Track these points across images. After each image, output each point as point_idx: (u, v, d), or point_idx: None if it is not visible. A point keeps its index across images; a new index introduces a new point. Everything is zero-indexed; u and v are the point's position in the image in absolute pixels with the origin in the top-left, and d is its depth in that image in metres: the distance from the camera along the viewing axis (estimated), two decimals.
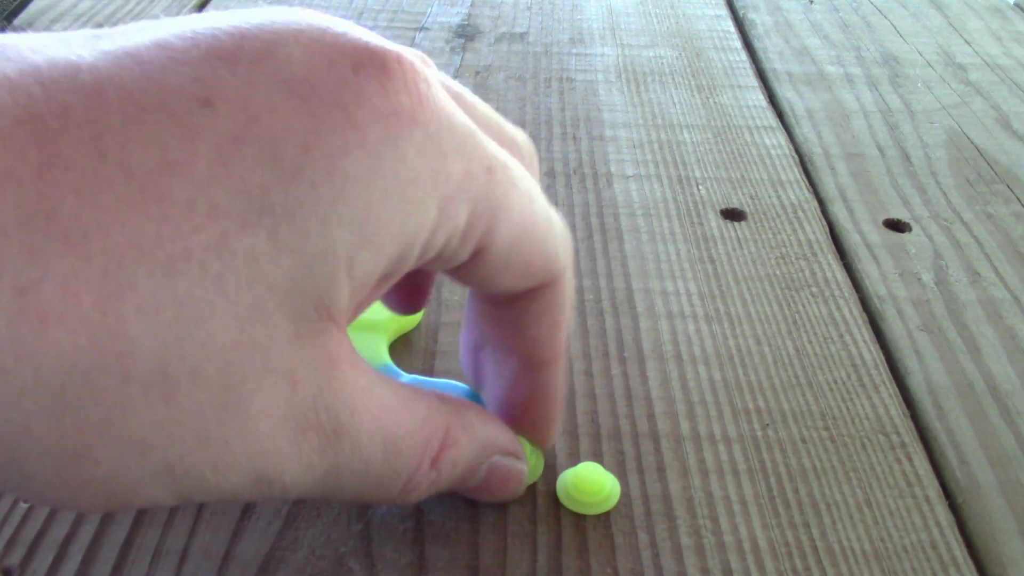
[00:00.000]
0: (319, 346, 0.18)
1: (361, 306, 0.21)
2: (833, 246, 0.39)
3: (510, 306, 0.23)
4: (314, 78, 0.17)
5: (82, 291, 0.15)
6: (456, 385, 0.28)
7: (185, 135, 0.16)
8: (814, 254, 0.38)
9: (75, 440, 0.16)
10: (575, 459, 0.28)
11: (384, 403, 0.20)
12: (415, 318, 0.32)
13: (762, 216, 0.40)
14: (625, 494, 0.27)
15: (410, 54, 0.19)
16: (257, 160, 0.16)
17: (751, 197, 0.42)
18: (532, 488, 0.27)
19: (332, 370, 0.18)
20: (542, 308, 0.23)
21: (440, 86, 0.19)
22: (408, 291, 0.26)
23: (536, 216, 0.21)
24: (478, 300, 0.25)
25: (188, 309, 0.16)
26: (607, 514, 0.26)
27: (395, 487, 0.21)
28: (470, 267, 0.21)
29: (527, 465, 0.25)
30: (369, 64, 0.18)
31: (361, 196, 0.17)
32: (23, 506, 0.25)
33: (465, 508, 0.26)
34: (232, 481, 0.18)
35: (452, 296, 0.34)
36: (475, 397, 0.28)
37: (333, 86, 0.17)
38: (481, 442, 0.23)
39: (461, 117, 0.19)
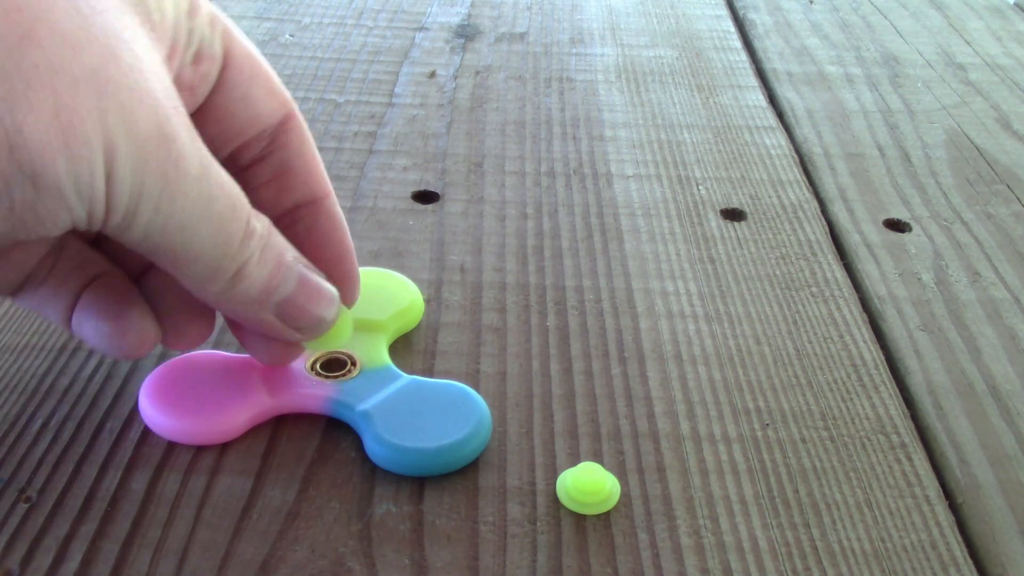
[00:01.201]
0: (144, 41, 0.21)
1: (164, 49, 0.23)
2: (833, 246, 0.39)
3: (277, 153, 0.26)
4: None
5: None
6: (456, 385, 0.28)
7: None
8: (814, 254, 0.38)
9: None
10: (575, 459, 0.28)
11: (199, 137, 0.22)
12: (415, 319, 0.32)
13: (762, 216, 0.40)
14: (625, 494, 0.27)
15: None
16: None
17: (751, 197, 0.42)
18: (532, 488, 0.27)
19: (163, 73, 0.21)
20: (299, 141, 0.26)
21: None
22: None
23: (257, 52, 0.25)
24: (254, 173, 0.26)
25: None
26: (607, 514, 0.26)
27: (221, 245, 0.22)
28: (227, 80, 0.24)
29: (337, 295, 0.26)
30: None
31: None
32: (23, 506, 0.25)
33: (465, 508, 0.26)
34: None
35: (452, 296, 0.34)
36: (475, 397, 0.28)
37: None
38: (280, 239, 0.24)
39: None
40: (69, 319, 0.25)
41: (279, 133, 0.26)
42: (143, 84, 0.20)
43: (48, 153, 0.18)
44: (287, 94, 0.26)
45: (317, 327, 0.26)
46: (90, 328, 0.25)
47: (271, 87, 0.25)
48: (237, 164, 0.26)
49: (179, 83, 0.23)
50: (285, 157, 0.26)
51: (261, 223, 0.23)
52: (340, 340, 0.27)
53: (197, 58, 0.23)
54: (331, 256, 0.27)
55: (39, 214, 0.19)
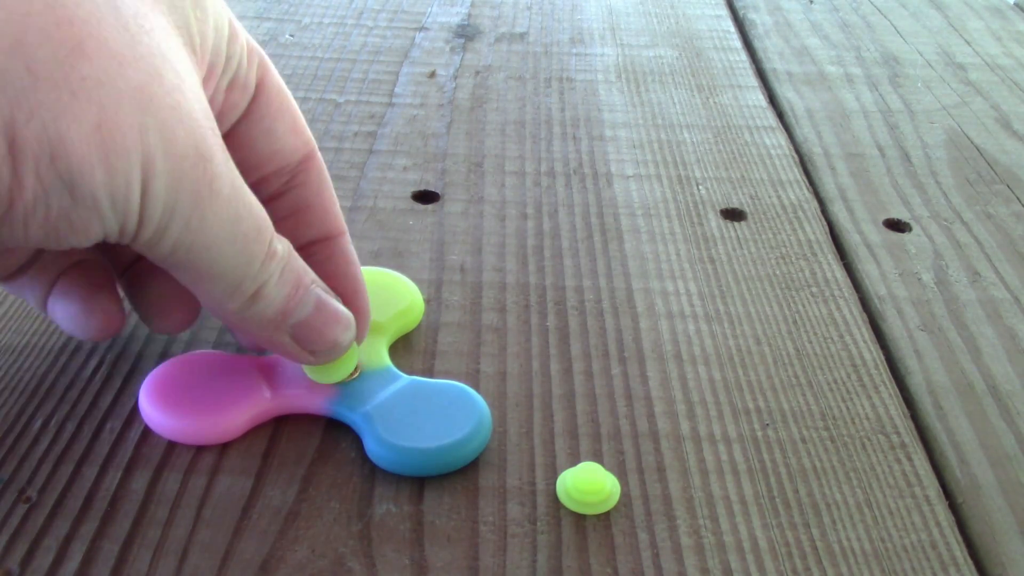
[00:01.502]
0: (185, 59, 0.21)
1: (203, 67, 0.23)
2: (833, 246, 0.39)
3: (296, 191, 0.26)
4: None
5: None
6: (456, 385, 0.28)
7: None
8: (814, 254, 0.38)
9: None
10: (575, 459, 0.28)
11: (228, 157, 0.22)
12: (415, 319, 0.32)
13: (762, 216, 0.40)
14: (625, 494, 0.27)
15: None
16: None
17: (751, 197, 0.42)
18: (532, 488, 0.27)
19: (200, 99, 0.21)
20: (318, 180, 0.26)
21: None
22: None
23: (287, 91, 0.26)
24: (275, 208, 0.27)
25: None
26: (607, 514, 0.26)
27: (243, 265, 0.22)
28: (255, 111, 0.24)
29: (353, 321, 0.26)
30: None
31: None
32: (23, 506, 0.25)
33: (465, 508, 0.26)
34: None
35: (452, 296, 0.34)
36: (476, 397, 0.28)
37: None
38: (300, 262, 0.25)
39: None
40: (46, 302, 0.27)
41: (299, 171, 0.26)
42: (184, 104, 0.20)
43: (87, 164, 0.18)
44: (309, 134, 0.26)
45: (331, 351, 0.26)
46: (61, 310, 0.26)
47: (296, 125, 0.26)
48: (257, 196, 0.26)
49: (211, 107, 0.23)
50: (303, 195, 0.26)
51: (283, 245, 0.24)
52: (344, 372, 0.27)
53: (231, 85, 0.24)
54: (343, 292, 0.27)
55: (73, 223, 0.19)
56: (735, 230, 0.39)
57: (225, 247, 0.22)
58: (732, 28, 0.61)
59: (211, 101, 0.23)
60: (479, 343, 0.32)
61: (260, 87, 0.25)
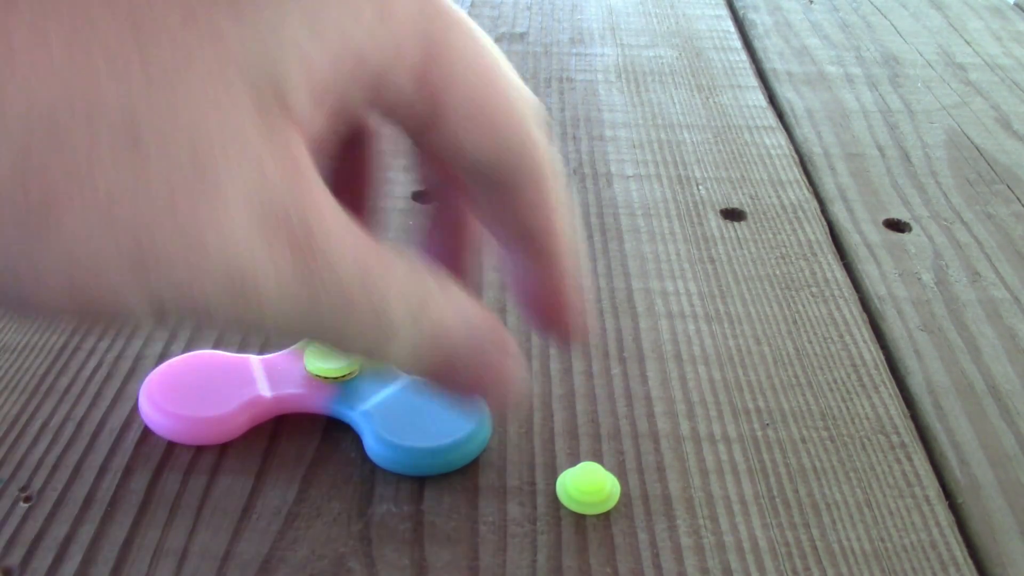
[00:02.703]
0: (284, 144, 0.17)
1: (309, 123, 0.19)
2: (833, 246, 0.39)
3: (495, 191, 0.21)
4: None
5: (53, 41, 0.15)
6: None
7: None
8: (814, 254, 0.38)
9: (39, 192, 0.15)
10: (575, 459, 0.28)
11: (357, 229, 0.18)
12: None
13: (762, 216, 0.40)
14: (625, 494, 0.27)
15: None
16: None
17: (751, 197, 0.42)
18: (532, 488, 0.27)
19: (298, 173, 0.17)
20: (526, 183, 0.21)
21: None
22: (352, 179, 0.24)
23: (498, 65, 0.19)
24: (471, 198, 0.23)
25: (157, 72, 0.16)
26: (607, 514, 0.26)
27: (375, 325, 0.19)
28: (434, 127, 0.19)
29: (520, 365, 0.22)
30: None
31: None
32: (23, 506, 0.25)
33: (465, 508, 0.26)
34: (204, 278, 0.17)
35: None
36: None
37: None
38: (463, 305, 0.20)
39: None
40: None
41: (509, 183, 0.21)
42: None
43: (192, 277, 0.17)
44: (520, 130, 0.20)
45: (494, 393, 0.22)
46: None
47: (494, 131, 0.20)
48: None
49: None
50: (514, 207, 0.21)
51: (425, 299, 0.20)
52: (345, 369, 0.27)
53: (381, 100, 0.20)
54: (562, 306, 0.23)
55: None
56: (735, 230, 0.39)
57: (349, 299, 0.19)
58: (732, 28, 0.61)
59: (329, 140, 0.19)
60: None
61: (437, 98, 0.19)
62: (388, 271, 0.19)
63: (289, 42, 0.17)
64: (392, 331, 0.19)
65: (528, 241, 0.22)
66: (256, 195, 0.17)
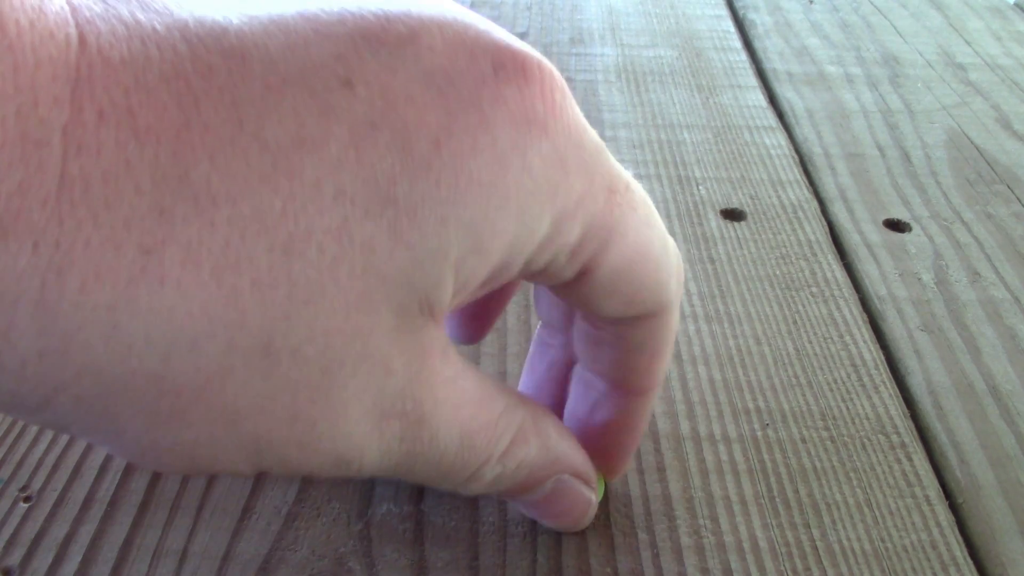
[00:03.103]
0: (416, 340, 0.18)
1: (458, 307, 0.21)
2: (833, 246, 0.39)
3: (611, 330, 0.22)
4: (454, 71, 0.17)
5: (203, 259, 0.15)
6: None
7: (322, 113, 0.16)
8: (814, 254, 0.38)
9: (171, 402, 0.16)
10: None
11: (466, 396, 0.20)
12: None
13: (762, 216, 0.40)
14: (625, 494, 0.27)
15: (547, 62, 0.19)
16: (388, 149, 0.16)
17: (751, 197, 0.42)
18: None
19: (423, 361, 0.18)
20: (644, 337, 0.22)
21: (572, 99, 0.19)
22: (477, 313, 0.26)
23: (651, 243, 0.20)
24: (580, 319, 0.23)
25: (300, 289, 0.16)
26: (607, 514, 0.26)
27: (461, 477, 0.21)
28: (574, 287, 0.20)
29: (596, 495, 0.24)
30: (510, 65, 0.17)
31: (481, 201, 0.17)
32: (23, 506, 0.25)
33: (465, 508, 0.26)
34: (313, 460, 0.18)
35: None
36: None
37: (472, 83, 0.17)
38: (552, 451, 0.22)
39: (591, 134, 0.19)
40: None
41: (626, 323, 0.22)
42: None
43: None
44: (659, 298, 0.21)
45: (568, 527, 0.25)
46: None
47: (633, 299, 0.21)
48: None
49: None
50: (617, 342, 0.22)
51: (527, 446, 0.21)
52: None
53: (534, 276, 0.20)
54: (614, 445, 0.25)
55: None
56: (735, 230, 0.39)
57: (445, 461, 0.20)
58: (732, 28, 0.61)
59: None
60: (479, 343, 0.32)
61: (587, 272, 0.20)
62: (484, 423, 0.20)
63: (444, 255, 0.17)
64: (475, 475, 0.21)
65: (625, 380, 0.23)
66: (376, 392, 0.18)
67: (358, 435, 0.18)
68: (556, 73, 0.18)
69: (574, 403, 0.25)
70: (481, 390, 0.20)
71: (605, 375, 0.23)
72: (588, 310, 0.21)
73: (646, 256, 0.20)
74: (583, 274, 0.20)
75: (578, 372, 0.25)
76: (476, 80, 0.17)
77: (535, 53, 0.18)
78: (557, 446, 0.22)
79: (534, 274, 0.19)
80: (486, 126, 0.17)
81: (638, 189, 0.20)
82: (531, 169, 0.17)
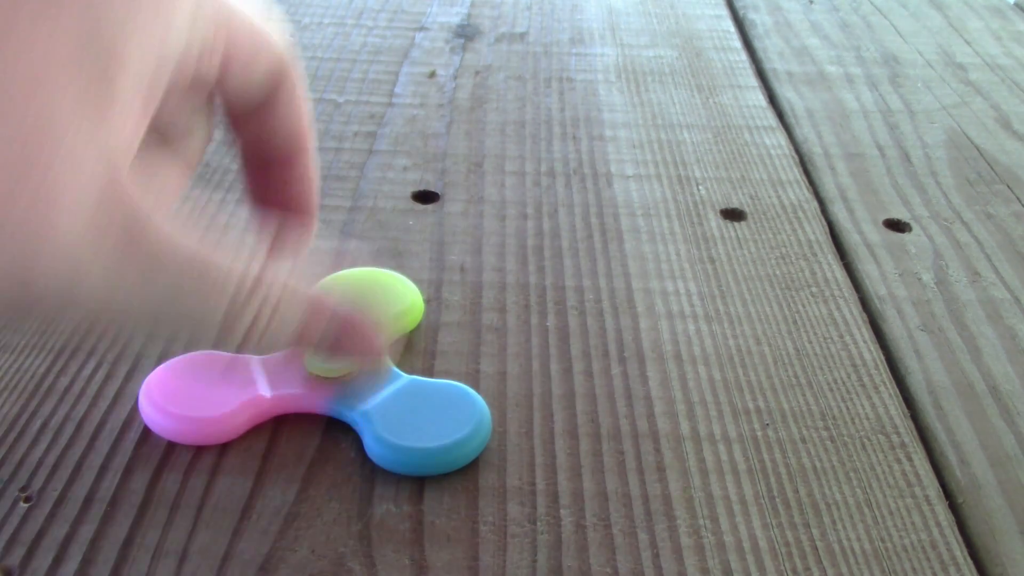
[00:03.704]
0: (110, 138, 0.19)
1: (140, 115, 0.21)
2: (833, 246, 0.39)
3: (261, 114, 0.25)
4: None
5: None
6: (456, 385, 0.28)
7: None
8: (814, 254, 0.38)
9: None
10: (575, 459, 0.28)
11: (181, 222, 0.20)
12: (415, 319, 0.32)
13: (762, 216, 0.40)
14: (625, 494, 0.27)
15: None
16: None
17: (751, 197, 0.42)
18: (532, 488, 0.27)
19: (120, 174, 0.19)
20: (286, 102, 0.25)
21: None
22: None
23: (256, 16, 0.23)
24: (236, 123, 0.26)
25: None
26: (607, 514, 0.26)
27: (209, 301, 0.21)
28: (224, 80, 0.23)
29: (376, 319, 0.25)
30: None
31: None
32: (23, 506, 0.25)
33: (465, 508, 0.26)
34: (43, 260, 0.18)
35: (452, 296, 0.34)
36: (476, 397, 0.28)
37: None
38: (299, 267, 0.23)
39: None
40: None
41: (267, 102, 0.25)
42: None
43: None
44: (282, 58, 0.24)
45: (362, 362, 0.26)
46: None
47: (269, 63, 0.24)
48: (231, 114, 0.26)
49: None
50: (268, 121, 0.25)
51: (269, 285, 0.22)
52: (345, 368, 0.28)
53: (196, 82, 0.23)
54: (301, 202, 0.27)
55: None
56: (735, 230, 0.39)
57: (185, 268, 0.21)
58: (732, 28, 0.61)
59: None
60: (479, 343, 0.32)
61: (228, 61, 0.23)
62: (214, 253, 0.21)
63: (127, 29, 0.19)
64: (237, 297, 0.21)
65: (286, 144, 0.26)
66: (87, 193, 0.18)
67: (78, 234, 0.18)
68: None
69: (258, 189, 0.27)
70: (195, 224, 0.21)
71: (273, 158, 0.26)
72: (243, 94, 0.24)
73: (259, 27, 0.23)
74: (227, 63, 0.22)
75: (250, 180, 0.27)
76: None
77: None
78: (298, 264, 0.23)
79: (193, 81, 0.22)
80: None
81: None
82: None
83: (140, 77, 0.19)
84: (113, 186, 0.19)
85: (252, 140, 0.26)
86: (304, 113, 0.26)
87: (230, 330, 0.21)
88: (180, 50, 0.20)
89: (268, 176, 0.26)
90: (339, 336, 0.23)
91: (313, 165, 0.27)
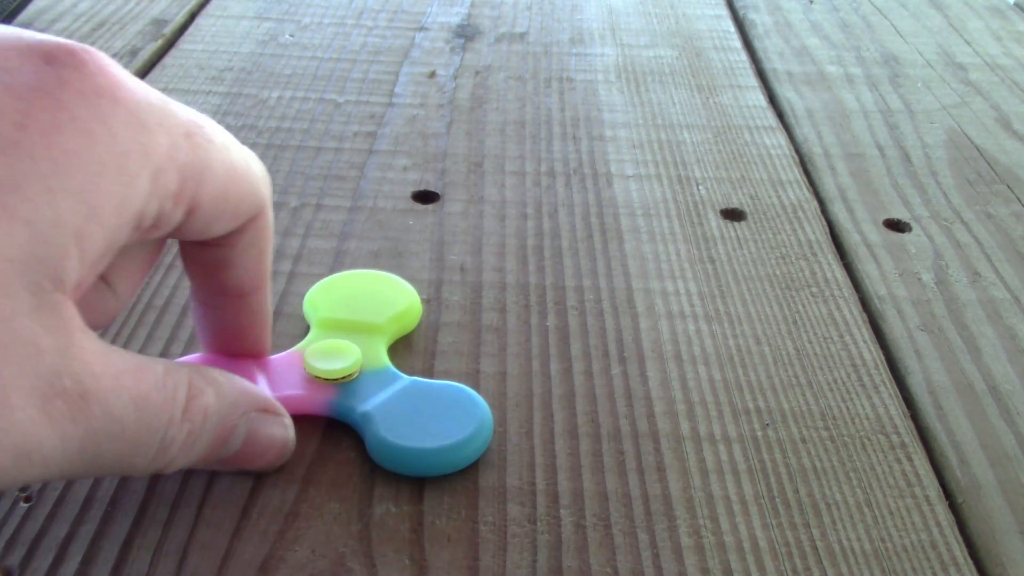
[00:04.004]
0: (58, 317, 0.19)
1: (84, 282, 0.21)
2: (833, 246, 0.39)
3: (220, 248, 0.25)
4: (11, 68, 0.18)
5: None
6: (457, 386, 0.28)
7: None
8: (814, 254, 0.38)
9: None
10: (575, 459, 0.28)
11: (121, 366, 0.20)
12: (413, 321, 0.32)
13: (762, 216, 0.40)
14: (625, 494, 0.27)
15: (89, 46, 0.20)
16: None
17: (751, 197, 0.42)
18: (532, 488, 0.27)
19: (70, 337, 0.19)
20: (249, 242, 0.25)
21: (125, 70, 0.21)
22: (130, 267, 0.26)
23: (235, 164, 0.23)
24: (190, 250, 0.25)
25: None
26: (607, 514, 0.26)
27: (153, 446, 0.21)
28: (186, 225, 0.22)
29: (290, 425, 0.26)
30: (59, 54, 0.19)
31: (80, 169, 0.18)
32: (23, 506, 0.25)
33: (465, 508, 0.26)
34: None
35: (452, 296, 0.34)
36: (477, 398, 0.28)
37: (32, 75, 0.18)
38: (230, 393, 0.24)
39: (155, 93, 0.21)
40: None
41: (230, 236, 0.24)
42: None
43: None
44: (254, 204, 0.24)
45: (271, 465, 0.26)
46: None
47: (235, 214, 0.23)
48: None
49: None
50: (227, 255, 0.25)
51: (197, 416, 0.22)
52: (346, 369, 0.28)
53: (149, 231, 0.22)
54: (251, 339, 0.27)
55: None
56: (735, 230, 0.39)
57: (127, 431, 0.21)
58: (732, 28, 0.61)
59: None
60: (479, 343, 0.32)
61: (193, 211, 0.22)
62: (152, 385, 0.21)
63: (63, 225, 0.18)
64: (166, 439, 0.21)
65: (244, 283, 0.26)
66: (32, 374, 0.18)
67: (26, 422, 0.18)
68: (101, 52, 0.20)
69: (210, 321, 0.27)
70: (134, 358, 0.21)
71: (226, 291, 0.26)
72: (202, 237, 0.23)
73: (235, 175, 0.23)
74: (191, 212, 0.22)
75: (204, 298, 0.27)
76: (35, 71, 0.18)
77: (73, 41, 0.20)
78: (232, 387, 0.24)
79: (150, 229, 0.21)
80: (61, 105, 0.18)
81: (208, 122, 0.22)
82: (116, 134, 0.19)
83: (95, 251, 0.19)
84: (61, 361, 0.19)
85: (207, 275, 0.26)
86: (267, 253, 0.25)
87: (163, 457, 0.22)
88: (139, 210, 0.20)
89: (219, 311, 0.27)
90: (250, 442, 0.24)
91: (267, 304, 0.27)
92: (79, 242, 0.19)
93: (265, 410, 0.25)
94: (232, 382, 0.24)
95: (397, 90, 0.49)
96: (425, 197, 0.40)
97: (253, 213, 0.24)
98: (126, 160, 0.19)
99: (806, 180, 0.43)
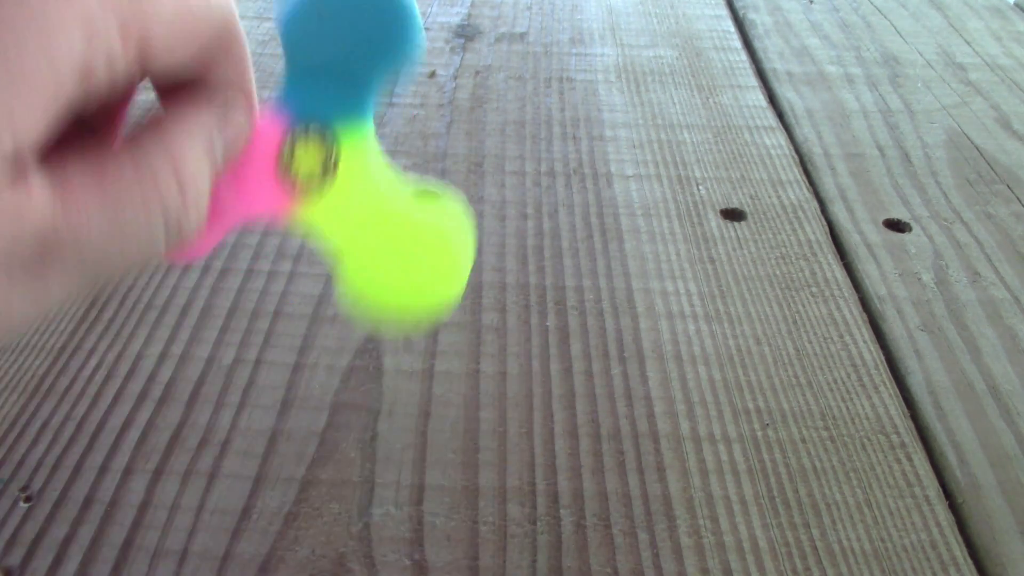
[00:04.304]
0: None
1: (35, 145, 0.19)
2: (833, 246, 0.39)
3: (196, 79, 0.23)
4: None
5: None
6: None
7: None
8: (814, 254, 0.38)
9: None
10: (576, 459, 0.28)
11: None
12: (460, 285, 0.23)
13: (762, 216, 0.40)
14: (625, 494, 0.27)
15: None
16: None
17: (751, 197, 0.42)
18: (532, 488, 0.27)
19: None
20: (224, 64, 0.23)
21: None
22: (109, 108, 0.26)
23: None
24: (170, 100, 0.24)
25: None
26: (607, 514, 0.26)
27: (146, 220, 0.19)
28: (148, 60, 0.21)
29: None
30: None
31: None
32: (23, 506, 0.25)
33: (465, 508, 0.26)
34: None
35: None
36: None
37: None
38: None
39: None
40: None
41: (206, 66, 0.23)
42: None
43: None
44: (219, 24, 0.22)
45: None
46: None
47: (198, 43, 0.22)
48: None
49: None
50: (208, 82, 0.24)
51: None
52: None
53: (109, 72, 0.21)
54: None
55: None
56: (735, 230, 0.39)
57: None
58: (732, 28, 0.61)
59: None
60: (479, 343, 0.32)
61: (145, 52, 0.21)
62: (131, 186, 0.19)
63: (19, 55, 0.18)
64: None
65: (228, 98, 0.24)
66: None
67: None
68: None
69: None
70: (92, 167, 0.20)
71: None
72: (173, 68, 0.22)
73: (184, 5, 0.21)
74: (144, 44, 0.20)
75: None
76: None
77: None
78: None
79: (106, 73, 0.20)
80: None
81: None
82: None
83: (30, 120, 0.18)
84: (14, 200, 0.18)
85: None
86: (246, 66, 0.24)
87: (179, 236, 0.20)
88: (79, 64, 0.19)
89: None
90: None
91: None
92: (9, 116, 0.18)
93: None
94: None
95: (397, 90, 0.49)
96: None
97: (217, 27, 0.22)
98: (46, 20, 0.19)
99: (806, 180, 0.43)
